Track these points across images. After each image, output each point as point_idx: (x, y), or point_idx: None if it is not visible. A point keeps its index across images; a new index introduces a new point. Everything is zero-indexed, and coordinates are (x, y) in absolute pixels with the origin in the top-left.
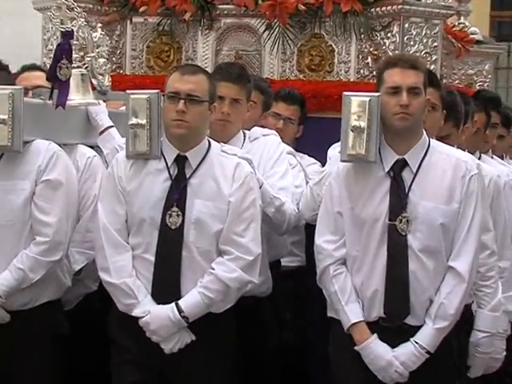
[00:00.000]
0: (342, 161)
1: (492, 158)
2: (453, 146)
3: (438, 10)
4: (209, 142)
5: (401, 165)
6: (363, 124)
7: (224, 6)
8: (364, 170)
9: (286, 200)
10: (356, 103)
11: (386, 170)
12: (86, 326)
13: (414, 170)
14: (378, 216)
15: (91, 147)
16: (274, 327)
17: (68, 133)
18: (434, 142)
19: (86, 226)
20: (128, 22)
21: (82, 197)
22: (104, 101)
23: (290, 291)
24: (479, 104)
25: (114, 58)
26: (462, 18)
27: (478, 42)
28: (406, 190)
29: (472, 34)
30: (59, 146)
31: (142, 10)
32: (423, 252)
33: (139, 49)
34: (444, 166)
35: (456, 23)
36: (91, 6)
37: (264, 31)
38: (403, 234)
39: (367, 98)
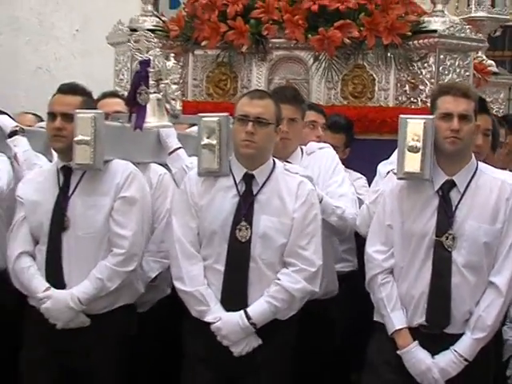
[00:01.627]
0: (399, 178)
1: None
2: None
3: (469, 43)
4: (274, 161)
5: (449, 185)
6: (419, 144)
7: (276, 40)
8: (416, 188)
9: (346, 206)
10: (412, 125)
11: (436, 189)
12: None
13: (462, 191)
14: (426, 232)
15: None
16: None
17: (142, 153)
18: (481, 164)
19: (160, 237)
20: (190, 54)
21: (155, 211)
22: (173, 124)
23: (342, 294)
24: (509, 127)
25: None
26: (479, 52)
27: (494, 73)
28: (453, 209)
29: (489, 66)
30: (135, 164)
31: (203, 43)
32: (466, 267)
33: (200, 78)
34: (490, 188)
35: (475, 57)
36: (158, 39)
37: (313, 63)
38: (449, 249)
39: (423, 121)
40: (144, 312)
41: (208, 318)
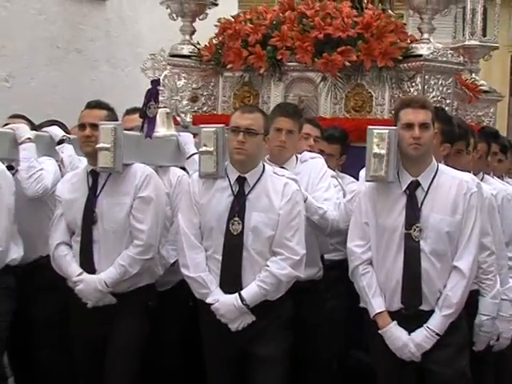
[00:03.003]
0: (367, 181)
1: (493, 178)
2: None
3: (450, 66)
4: (263, 165)
5: (415, 185)
6: (383, 151)
7: (290, 64)
8: (386, 189)
9: (329, 208)
10: (378, 135)
11: (403, 189)
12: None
13: (426, 189)
14: (396, 226)
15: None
16: (326, 299)
17: (163, 157)
18: (441, 165)
19: (177, 228)
20: (220, 75)
21: (174, 206)
22: (193, 134)
23: (333, 278)
24: (482, 137)
25: (209, 102)
26: (473, 74)
27: (485, 91)
28: (419, 205)
29: (481, 85)
30: (157, 167)
31: (229, 66)
32: (433, 254)
33: (228, 95)
34: (449, 186)
35: (469, 78)
36: (193, 64)
37: (320, 82)
38: (416, 240)
39: (386, 131)
40: (166, 290)
41: (208, 300)
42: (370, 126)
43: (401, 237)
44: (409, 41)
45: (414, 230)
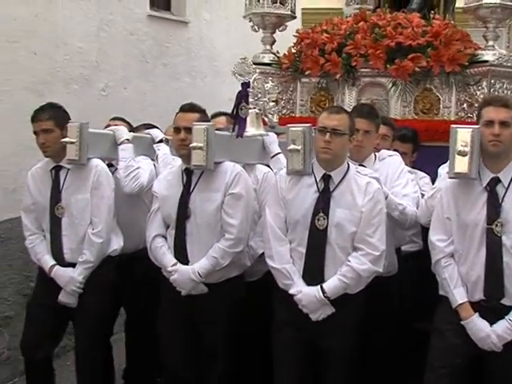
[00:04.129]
0: (450, 177)
1: None
2: None
3: None
4: (348, 164)
5: (495, 181)
6: (467, 149)
7: (363, 70)
8: (467, 185)
9: (408, 204)
10: (461, 133)
11: (484, 186)
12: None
13: (506, 185)
14: (478, 221)
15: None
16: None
17: (250, 156)
18: None
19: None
20: (298, 81)
21: (262, 200)
22: (276, 134)
23: (410, 270)
24: None
25: (288, 106)
26: None
27: None
28: (500, 201)
29: None
30: (244, 164)
31: (307, 73)
32: None
33: (305, 99)
34: None
35: None
36: (273, 71)
37: (391, 86)
38: (498, 235)
39: (470, 129)
40: (255, 280)
41: (291, 291)
42: (453, 125)
43: (482, 232)
44: (475, 48)
45: (496, 225)
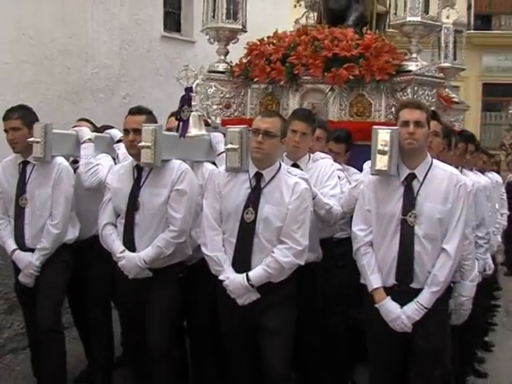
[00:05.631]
0: (372, 174)
1: (471, 170)
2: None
3: (434, 80)
4: (280, 164)
5: (411, 177)
6: (386, 148)
7: (305, 77)
8: (386, 181)
9: (334, 204)
10: (381, 134)
11: (401, 180)
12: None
13: (421, 180)
14: (394, 212)
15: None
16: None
17: (198, 154)
18: (434, 160)
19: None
20: (248, 87)
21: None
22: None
23: (341, 253)
24: (462, 138)
25: (239, 109)
26: (446, 88)
27: (456, 102)
28: (415, 195)
29: (453, 98)
30: (192, 162)
31: (255, 80)
32: (425, 238)
33: (255, 103)
34: (442, 178)
35: (444, 92)
36: (226, 78)
37: (328, 92)
38: (411, 225)
39: (389, 130)
40: (193, 264)
41: (220, 277)
42: (374, 126)
43: (397, 222)
44: (399, 60)
45: (410, 216)
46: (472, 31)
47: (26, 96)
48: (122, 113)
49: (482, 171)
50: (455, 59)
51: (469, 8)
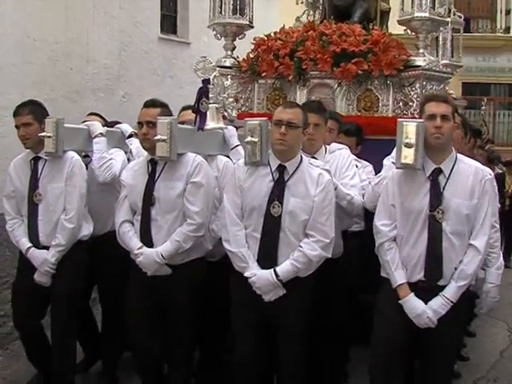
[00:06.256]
0: (397, 168)
1: None
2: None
3: (442, 74)
4: (301, 156)
5: (437, 172)
6: (413, 141)
7: (312, 72)
8: (411, 175)
9: (355, 194)
10: (408, 127)
11: (427, 175)
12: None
13: (447, 176)
14: (421, 208)
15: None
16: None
17: (212, 147)
18: (459, 155)
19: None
20: (255, 82)
21: (223, 187)
22: (235, 128)
23: (354, 246)
24: (471, 133)
25: (247, 104)
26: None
27: (454, 99)
28: (441, 190)
29: (451, 94)
30: (206, 155)
31: (263, 75)
32: (453, 234)
33: (262, 98)
34: (467, 173)
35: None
36: (234, 73)
37: (337, 87)
38: (439, 221)
39: (416, 123)
40: (215, 261)
41: (246, 274)
42: (399, 119)
43: (425, 218)
44: (408, 55)
45: (438, 212)
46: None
47: (30, 95)
48: (121, 111)
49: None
50: (453, 56)
51: (448, 11)
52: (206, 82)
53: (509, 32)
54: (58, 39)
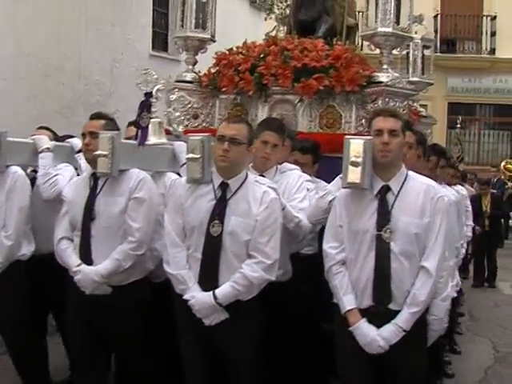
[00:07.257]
0: (344, 187)
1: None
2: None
3: (404, 91)
4: (247, 173)
5: (385, 189)
6: (359, 160)
7: (274, 88)
8: (358, 194)
9: (303, 218)
10: (354, 144)
11: (375, 194)
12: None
13: (395, 193)
14: (368, 228)
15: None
16: (293, 302)
17: (159, 164)
18: (410, 172)
19: None
20: (216, 98)
21: None
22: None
23: (307, 270)
24: (435, 152)
25: (207, 119)
26: (415, 103)
27: (424, 116)
28: (390, 209)
29: (420, 111)
30: (154, 172)
31: (224, 90)
32: (402, 255)
33: (223, 114)
34: (418, 190)
35: (413, 106)
36: (194, 88)
37: (298, 102)
38: (387, 241)
39: (363, 141)
40: (160, 282)
41: (185, 296)
42: (346, 136)
43: (372, 238)
44: (370, 71)
45: (385, 231)
46: (439, 54)
47: (22, 110)
48: None
49: (449, 185)
50: (423, 74)
51: (435, 32)
52: (148, 95)
53: (494, 53)
54: (50, 55)
